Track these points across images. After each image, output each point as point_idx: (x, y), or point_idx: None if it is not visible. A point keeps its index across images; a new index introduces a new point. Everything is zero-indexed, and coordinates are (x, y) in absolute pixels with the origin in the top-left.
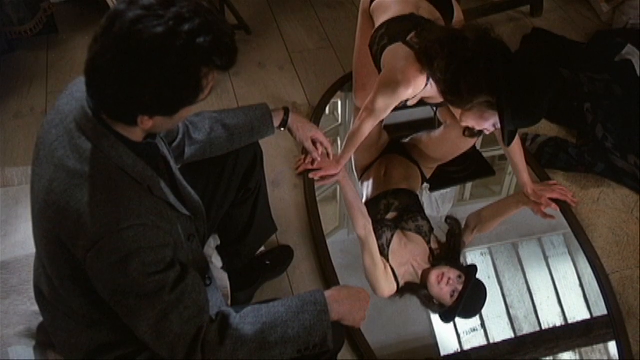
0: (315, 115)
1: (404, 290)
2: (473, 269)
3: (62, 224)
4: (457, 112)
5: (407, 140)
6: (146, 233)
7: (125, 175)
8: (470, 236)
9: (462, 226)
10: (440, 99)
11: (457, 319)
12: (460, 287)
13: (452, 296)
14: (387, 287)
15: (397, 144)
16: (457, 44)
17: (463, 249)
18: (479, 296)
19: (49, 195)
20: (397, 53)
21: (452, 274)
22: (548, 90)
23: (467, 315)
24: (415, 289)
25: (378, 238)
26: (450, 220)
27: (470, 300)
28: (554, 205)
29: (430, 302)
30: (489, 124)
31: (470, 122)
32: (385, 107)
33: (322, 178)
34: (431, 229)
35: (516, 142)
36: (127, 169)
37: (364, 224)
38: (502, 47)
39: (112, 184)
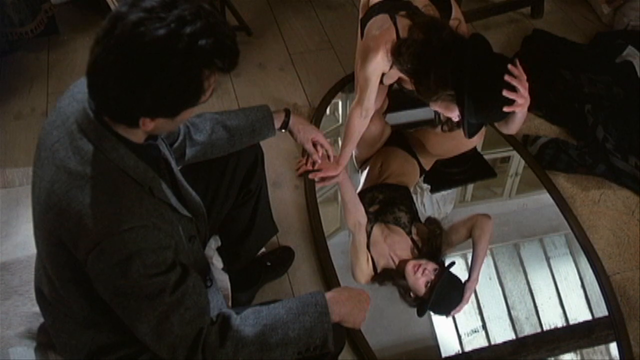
0: (316, 116)
1: (383, 277)
2: (450, 264)
3: (63, 225)
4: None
5: (411, 130)
6: (147, 235)
7: (127, 177)
8: (464, 234)
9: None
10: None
11: (458, 322)
12: (434, 279)
13: (426, 286)
14: (365, 276)
15: (398, 135)
16: (435, 33)
17: (453, 247)
18: (453, 291)
19: (50, 196)
20: (376, 22)
21: (429, 266)
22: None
23: (441, 310)
24: (394, 277)
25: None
26: (430, 221)
27: (444, 294)
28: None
29: (407, 294)
30: (455, 114)
31: (437, 108)
32: (364, 82)
33: (322, 179)
34: (411, 220)
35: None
36: (128, 170)
37: (356, 221)
38: (477, 44)
39: (113, 186)
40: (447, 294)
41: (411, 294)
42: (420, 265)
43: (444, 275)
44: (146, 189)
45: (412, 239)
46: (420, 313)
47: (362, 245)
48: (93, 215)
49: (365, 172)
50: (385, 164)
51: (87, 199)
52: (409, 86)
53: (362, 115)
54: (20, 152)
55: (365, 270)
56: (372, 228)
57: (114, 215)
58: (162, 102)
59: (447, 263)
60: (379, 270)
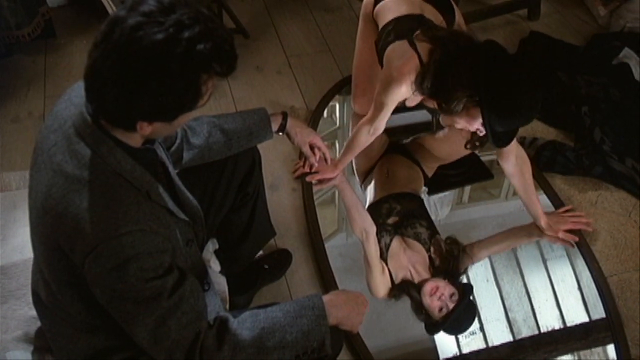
0: (313, 119)
1: (400, 288)
2: (468, 290)
3: (60, 229)
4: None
5: (408, 140)
6: (144, 239)
7: (124, 181)
8: (477, 256)
9: (467, 241)
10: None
11: None
12: (450, 305)
13: (440, 311)
14: (382, 289)
15: (397, 144)
16: (451, 43)
17: (467, 267)
18: (467, 317)
19: (47, 200)
20: (396, 50)
21: (447, 290)
22: (531, 90)
23: (452, 332)
24: (410, 290)
25: (377, 241)
26: (450, 241)
27: (457, 319)
28: (571, 236)
29: (419, 309)
30: (478, 123)
31: (461, 123)
32: (381, 107)
33: (320, 182)
34: (431, 236)
35: (525, 176)
36: (125, 174)
37: (362, 229)
38: (492, 46)
39: (111, 190)
40: (461, 320)
41: (423, 310)
42: (438, 288)
43: (461, 306)
44: (143, 193)
45: (430, 257)
46: (431, 333)
47: (374, 256)
48: (90, 219)
49: (370, 185)
50: (392, 171)
51: (84, 202)
52: (431, 104)
53: (370, 133)
54: (17, 155)
55: (381, 282)
56: (391, 240)
57: (111, 219)
58: (159, 106)
59: (464, 282)
60: (397, 282)
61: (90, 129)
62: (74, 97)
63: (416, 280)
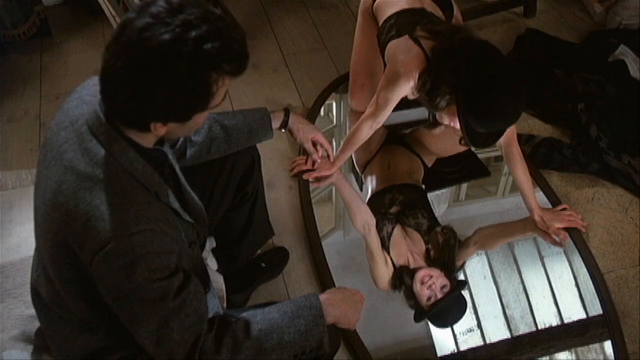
0: (310, 117)
1: (396, 274)
2: (460, 284)
3: (69, 225)
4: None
5: (407, 131)
6: (154, 238)
7: (135, 181)
8: (472, 248)
9: (463, 237)
10: None
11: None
12: (439, 296)
13: (428, 300)
14: (386, 280)
15: (396, 135)
16: (446, 37)
17: (464, 261)
18: (455, 310)
19: (57, 197)
20: (400, 46)
21: (439, 281)
22: (513, 94)
23: (437, 322)
24: (403, 275)
25: (379, 231)
26: (446, 230)
27: (443, 310)
28: (563, 234)
29: (410, 295)
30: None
31: (445, 119)
32: (385, 102)
33: (317, 179)
34: (431, 228)
35: (522, 167)
36: (136, 174)
37: (364, 222)
38: (484, 46)
39: (122, 189)
40: (448, 312)
41: (414, 297)
42: (430, 277)
43: (448, 297)
44: (152, 194)
45: (427, 249)
46: (417, 320)
47: (377, 248)
48: (101, 217)
49: (370, 176)
50: (393, 163)
51: (96, 200)
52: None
53: (372, 128)
54: (13, 154)
55: (384, 273)
56: (393, 229)
57: (123, 217)
58: (171, 107)
59: (459, 278)
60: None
61: (104, 128)
62: (85, 95)
63: (412, 267)
